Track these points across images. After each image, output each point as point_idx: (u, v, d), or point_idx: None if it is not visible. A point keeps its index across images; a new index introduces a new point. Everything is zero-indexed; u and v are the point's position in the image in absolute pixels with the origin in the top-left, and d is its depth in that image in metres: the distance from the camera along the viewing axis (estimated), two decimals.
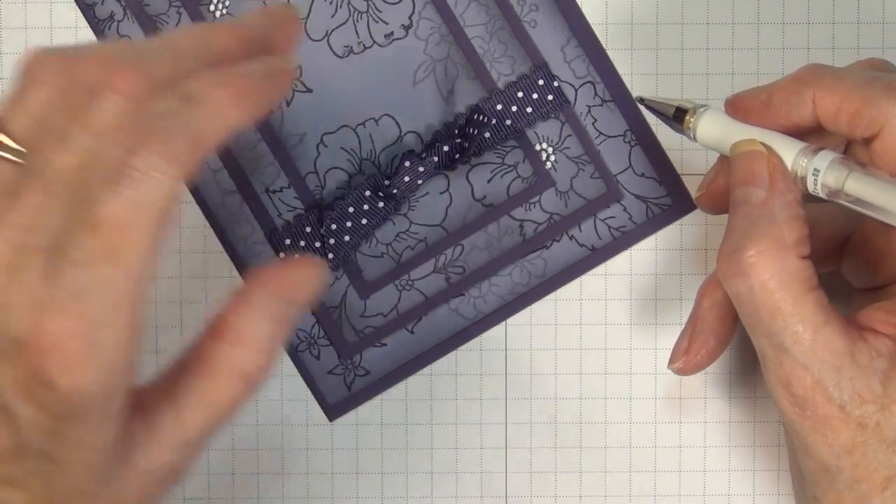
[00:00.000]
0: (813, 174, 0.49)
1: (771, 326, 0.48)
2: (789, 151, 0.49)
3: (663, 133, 0.56)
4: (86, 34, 0.56)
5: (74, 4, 0.56)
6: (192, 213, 0.56)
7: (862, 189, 0.48)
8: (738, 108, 0.51)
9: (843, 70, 0.49)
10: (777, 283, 0.48)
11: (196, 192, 0.56)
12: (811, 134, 0.50)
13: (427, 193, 0.56)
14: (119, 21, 0.56)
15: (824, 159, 0.49)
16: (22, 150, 0.42)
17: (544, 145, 0.56)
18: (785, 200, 0.48)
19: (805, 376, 0.48)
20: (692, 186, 0.56)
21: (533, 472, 0.57)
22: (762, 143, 0.50)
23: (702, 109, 0.51)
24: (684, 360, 0.52)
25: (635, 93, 0.56)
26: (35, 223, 0.41)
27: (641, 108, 0.55)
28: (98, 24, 0.56)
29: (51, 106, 0.42)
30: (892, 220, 0.48)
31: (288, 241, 0.56)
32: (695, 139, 0.51)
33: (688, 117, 0.51)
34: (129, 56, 0.42)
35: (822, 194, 0.49)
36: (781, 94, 0.49)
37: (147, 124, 0.42)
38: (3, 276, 0.41)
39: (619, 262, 0.56)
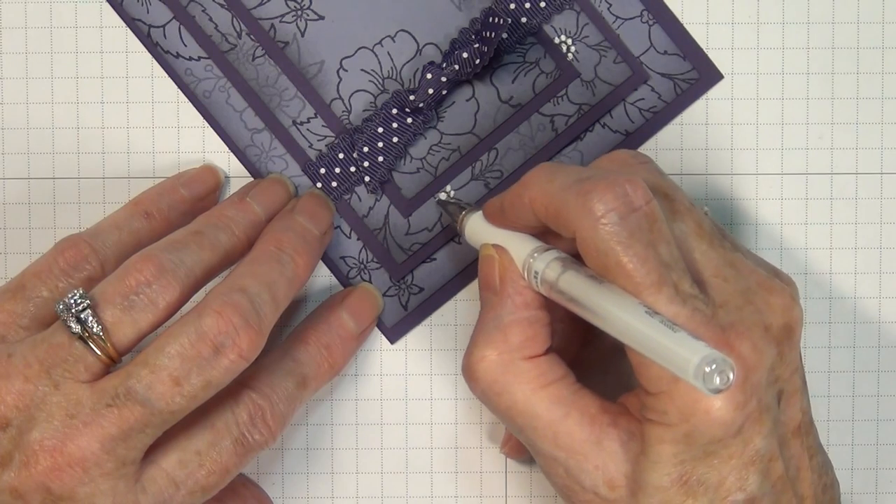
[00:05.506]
0: (534, 274, 0.48)
1: (513, 426, 0.49)
2: (524, 252, 0.49)
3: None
4: (86, 33, 0.56)
5: (74, 4, 0.56)
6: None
7: (571, 288, 0.47)
8: (486, 213, 0.51)
9: (560, 170, 0.48)
10: (502, 385, 0.49)
11: (225, 137, 0.56)
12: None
13: (454, 103, 0.56)
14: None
15: (545, 259, 0.48)
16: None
17: (563, 37, 0.56)
18: (513, 304, 0.49)
19: (557, 468, 0.49)
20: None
21: (533, 472, 0.57)
22: (495, 247, 0.50)
23: (467, 213, 0.52)
24: (506, 449, 0.56)
25: None
26: None
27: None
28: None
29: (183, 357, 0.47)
30: (598, 322, 0.46)
31: (323, 171, 0.56)
32: (466, 240, 0.53)
33: (461, 218, 0.53)
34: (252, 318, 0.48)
35: (544, 293, 0.48)
36: (509, 198, 0.50)
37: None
38: None
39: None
